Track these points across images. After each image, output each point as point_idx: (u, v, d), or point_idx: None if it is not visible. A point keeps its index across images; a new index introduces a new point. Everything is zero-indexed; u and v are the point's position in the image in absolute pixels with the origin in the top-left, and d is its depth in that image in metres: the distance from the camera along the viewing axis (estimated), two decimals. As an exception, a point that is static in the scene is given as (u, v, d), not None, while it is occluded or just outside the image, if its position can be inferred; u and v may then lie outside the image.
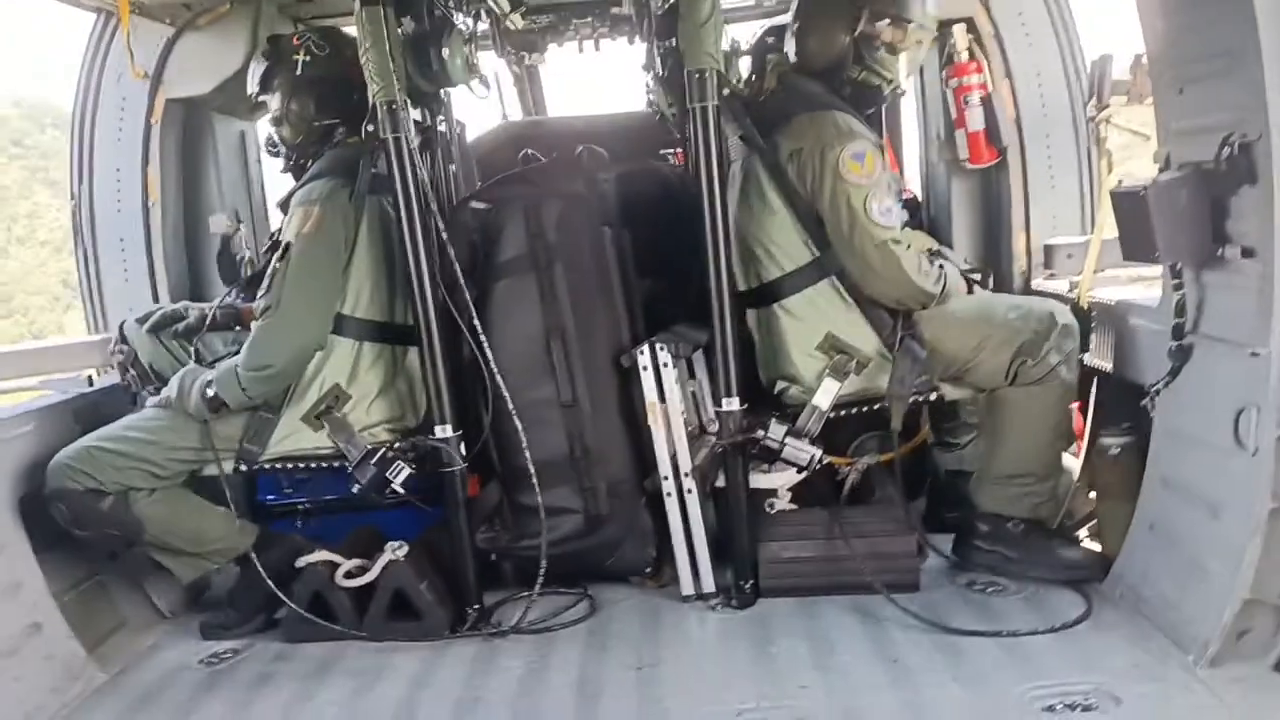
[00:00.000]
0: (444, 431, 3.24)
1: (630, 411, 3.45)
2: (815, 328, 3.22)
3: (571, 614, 3.32)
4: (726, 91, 3.15)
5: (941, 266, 3.25)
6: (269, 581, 3.25)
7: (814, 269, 3.23)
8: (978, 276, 3.51)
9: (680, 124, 3.60)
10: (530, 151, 3.66)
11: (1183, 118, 2.68)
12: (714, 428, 3.39)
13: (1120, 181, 2.88)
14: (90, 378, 3.69)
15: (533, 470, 3.26)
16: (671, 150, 4.93)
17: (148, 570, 3.60)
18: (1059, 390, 3.18)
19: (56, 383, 3.65)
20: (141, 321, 3.66)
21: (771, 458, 3.21)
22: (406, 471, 3.25)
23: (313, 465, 3.34)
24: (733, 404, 3.20)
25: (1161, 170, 2.74)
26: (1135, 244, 2.79)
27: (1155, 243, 2.67)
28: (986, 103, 4.09)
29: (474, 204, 3.45)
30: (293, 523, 3.96)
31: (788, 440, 3.16)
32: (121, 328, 3.72)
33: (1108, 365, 3.36)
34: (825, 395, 3.20)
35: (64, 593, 3.28)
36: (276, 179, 4.60)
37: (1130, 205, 2.74)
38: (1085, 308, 3.47)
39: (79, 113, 4.11)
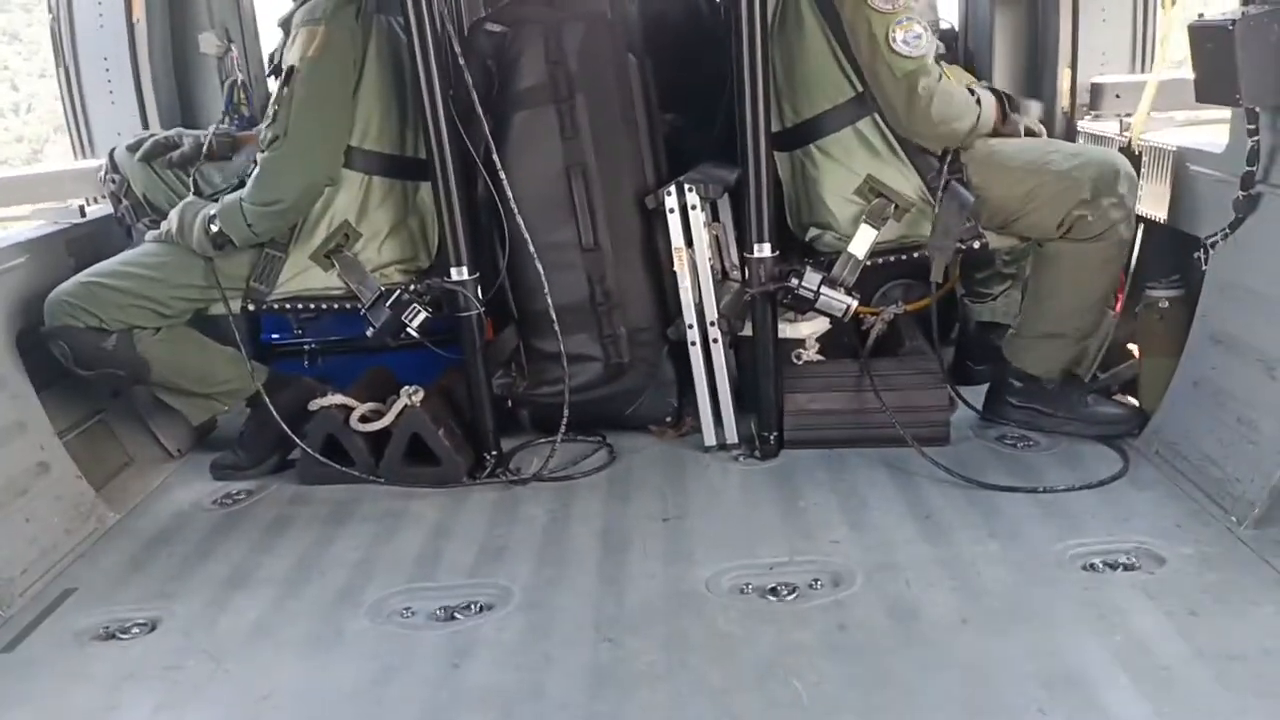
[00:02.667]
0: (460, 274, 3.08)
1: (653, 255, 3.31)
2: (854, 170, 3.03)
3: (591, 462, 3.25)
4: None
5: (979, 99, 3.01)
6: (282, 424, 3.15)
7: (855, 106, 3.01)
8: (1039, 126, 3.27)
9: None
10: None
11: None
12: (737, 274, 3.26)
13: (1200, 14, 2.65)
14: (81, 208, 3.48)
15: (554, 315, 3.13)
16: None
17: (152, 408, 3.50)
18: (1115, 248, 3.01)
19: (46, 212, 3.44)
20: (133, 149, 3.43)
21: (804, 307, 3.08)
22: (423, 315, 3.11)
23: (323, 306, 3.20)
24: (764, 250, 3.04)
25: (1245, 3, 2.51)
26: (1213, 84, 2.58)
27: (1237, 84, 2.46)
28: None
29: (489, 26, 3.19)
30: (299, 363, 3.87)
31: (823, 289, 3.02)
32: (112, 155, 3.49)
33: (1156, 214, 3.20)
34: (861, 243, 3.03)
35: (68, 432, 3.19)
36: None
37: (1212, 41, 2.52)
38: (1136, 152, 3.28)
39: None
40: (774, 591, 2.41)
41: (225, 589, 2.64)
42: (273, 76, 3.12)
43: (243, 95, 3.84)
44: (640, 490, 3.05)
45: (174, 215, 3.08)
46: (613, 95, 3.21)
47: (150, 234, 3.20)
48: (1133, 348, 3.38)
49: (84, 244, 3.37)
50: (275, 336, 3.90)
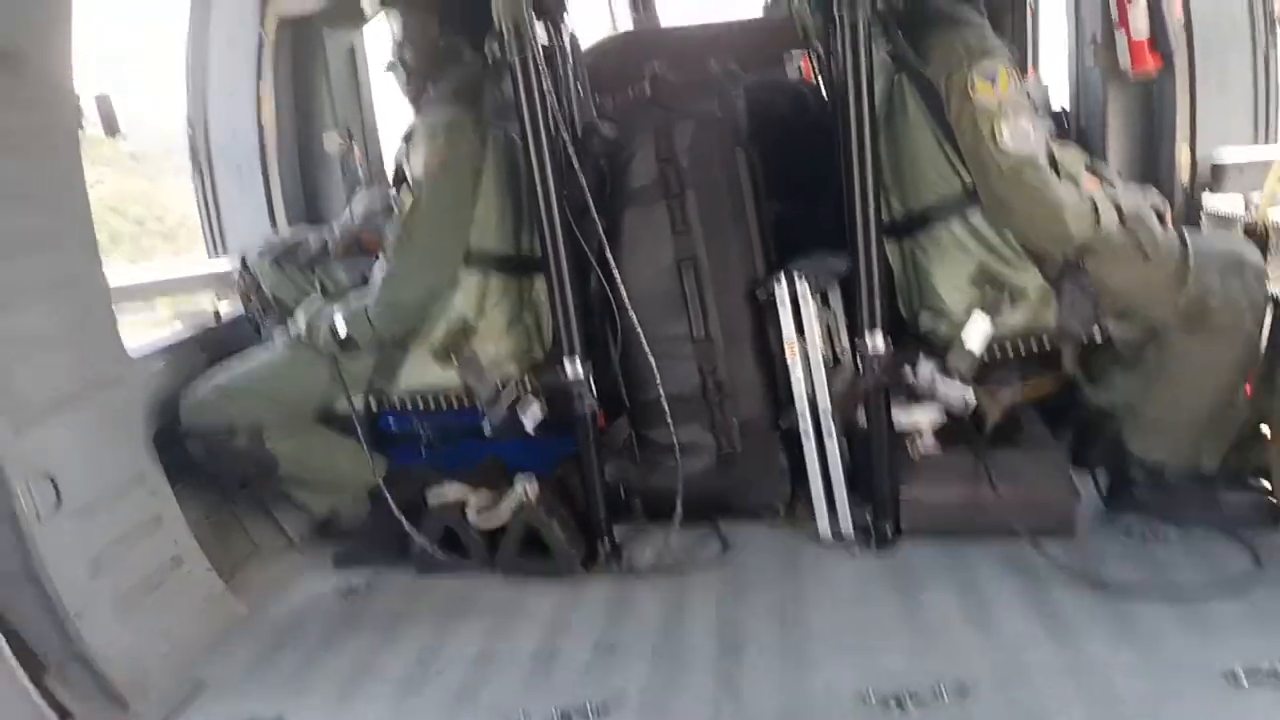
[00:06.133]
0: (574, 368, 3.13)
1: (764, 345, 3.32)
2: (966, 259, 2.98)
3: (704, 553, 3.24)
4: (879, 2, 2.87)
5: (1096, 207, 2.87)
6: (400, 517, 3.22)
7: (965, 198, 2.97)
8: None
9: (822, 35, 3.31)
10: (657, 67, 3.44)
11: None
12: (848, 358, 3.23)
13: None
14: (216, 314, 3.67)
15: (666, 406, 3.15)
16: (794, 53, 4.63)
17: (276, 498, 3.62)
18: (1241, 338, 2.90)
19: (185, 316, 3.64)
20: (265, 252, 3.61)
21: (919, 397, 3.04)
22: (538, 411, 3.17)
23: (442, 401, 3.28)
24: (877, 341, 3.02)
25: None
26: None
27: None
28: (1153, 2, 3.70)
29: (601, 129, 3.29)
30: (414, 449, 3.95)
31: (938, 380, 2.97)
32: (244, 256, 3.68)
33: (1289, 295, 3.07)
34: (976, 335, 2.98)
35: (197, 523, 3.31)
36: (386, 92, 4.50)
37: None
38: (1264, 230, 3.16)
39: (192, 36, 4.01)
40: (897, 701, 2.35)
41: (349, 685, 2.69)
42: (396, 187, 3.25)
43: (365, 192, 4.01)
44: (755, 583, 3.02)
45: (300, 316, 3.22)
46: (722, 190, 3.25)
47: (278, 333, 3.34)
48: (1265, 431, 3.23)
49: (218, 345, 3.53)
50: (392, 423, 4.00)
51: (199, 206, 4.14)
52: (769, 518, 3.40)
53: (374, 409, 3.32)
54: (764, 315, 3.27)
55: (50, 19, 2.67)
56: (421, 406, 3.30)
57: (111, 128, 3.14)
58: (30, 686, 2.51)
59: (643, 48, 4.43)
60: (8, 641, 2.50)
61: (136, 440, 3.06)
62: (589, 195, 3.09)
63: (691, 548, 3.27)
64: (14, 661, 2.51)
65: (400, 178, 3.15)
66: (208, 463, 3.18)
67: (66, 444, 2.70)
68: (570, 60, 3.56)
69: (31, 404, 2.57)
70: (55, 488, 2.61)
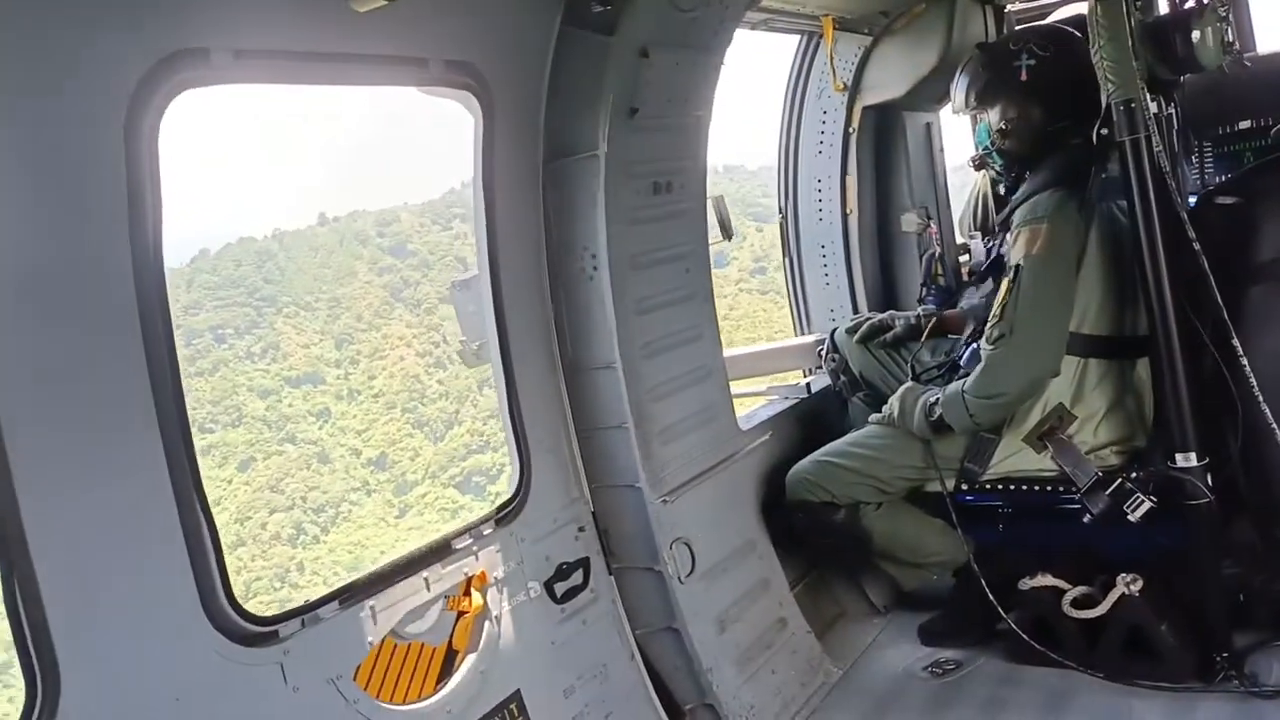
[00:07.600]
0: (1187, 460, 2.89)
1: None
2: None
3: (1353, 677, 2.80)
4: None
5: None
6: (992, 599, 3.19)
7: None
8: None
9: None
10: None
11: None
12: None
13: None
14: (808, 385, 3.95)
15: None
16: None
17: (862, 565, 3.76)
18: None
19: (779, 389, 3.96)
20: (851, 331, 3.83)
21: None
22: (1147, 506, 2.97)
23: (1035, 488, 3.21)
24: None
25: None
26: None
27: None
28: None
29: (1220, 199, 3.02)
30: (999, 530, 3.89)
31: None
32: (833, 335, 3.92)
33: None
34: None
35: (792, 585, 3.56)
36: (956, 168, 4.55)
37: None
38: None
39: (784, 131, 4.40)
40: None
41: None
42: (988, 273, 3.27)
43: (939, 267, 4.08)
44: None
45: (895, 400, 3.35)
46: (1380, 260, 2.82)
47: (873, 416, 3.49)
48: None
49: (809, 417, 3.80)
50: (969, 498, 3.97)
51: (787, 287, 4.49)
52: None
53: (962, 489, 3.34)
54: None
55: (695, 156, 3.17)
56: (1012, 489, 3.26)
57: (727, 230, 3.53)
58: (669, 727, 2.89)
59: (1242, 85, 3.98)
60: (654, 685, 2.91)
61: (748, 509, 3.39)
62: (1208, 271, 2.85)
63: (1336, 669, 2.85)
64: (658, 703, 2.91)
65: (996, 265, 3.16)
66: (809, 534, 3.41)
67: (697, 513, 3.07)
68: (1180, 125, 3.31)
69: (675, 479, 2.97)
70: (691, 552, 2.97)
